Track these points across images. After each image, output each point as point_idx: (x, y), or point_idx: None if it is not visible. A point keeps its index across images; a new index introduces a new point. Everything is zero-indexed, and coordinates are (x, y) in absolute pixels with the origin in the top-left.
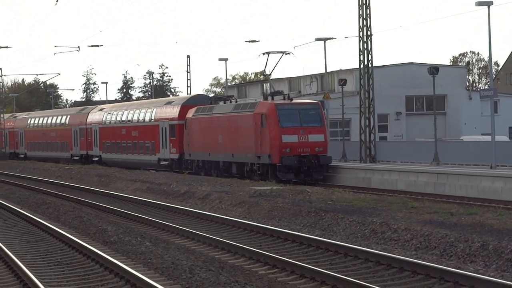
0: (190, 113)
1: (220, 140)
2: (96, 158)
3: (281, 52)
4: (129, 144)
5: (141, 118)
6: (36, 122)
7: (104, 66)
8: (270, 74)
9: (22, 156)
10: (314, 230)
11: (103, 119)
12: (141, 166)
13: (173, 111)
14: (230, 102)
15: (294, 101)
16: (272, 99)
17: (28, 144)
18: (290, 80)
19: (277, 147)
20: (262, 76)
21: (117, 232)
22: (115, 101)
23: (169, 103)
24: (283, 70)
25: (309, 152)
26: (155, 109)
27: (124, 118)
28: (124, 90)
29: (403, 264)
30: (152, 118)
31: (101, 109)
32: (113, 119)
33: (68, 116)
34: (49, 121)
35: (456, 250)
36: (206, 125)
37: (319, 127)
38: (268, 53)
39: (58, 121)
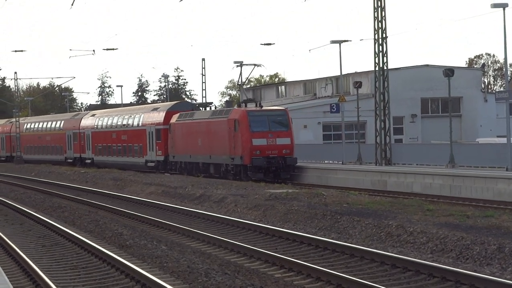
0: (174, 119)
1: (200, 143)
2: (89, 161)
3: (253, 64)
4: (119, 147)
5: (130, 123)
6: (32, 126)
7: (119, 70)
8: (243, 84)
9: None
10: (330, 233)
11: (95, 124)
12: (130, 167)
13: (158, 117)
14: (210, 109)
15: (264, 108)
16: (245, 106)
17: (25, 147)
18: (305, 82)
19: (248, 149)
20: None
21: (132, 235)
22: (131, 104)
23: (155, 109)
24: (298, 72)
25: (277, 154)
26: (142, 115)
27: (114, 123)
28: (139, 94)
29: (419, 267)
30: (140, 123)
31: (93, 115)
32: (104, 124)
33: (62, 121)
34: (44, 126)
35: (472, 253)
36: (188, 130)
37: (286, 131)
38: (241, 64)
39: (52, 125)
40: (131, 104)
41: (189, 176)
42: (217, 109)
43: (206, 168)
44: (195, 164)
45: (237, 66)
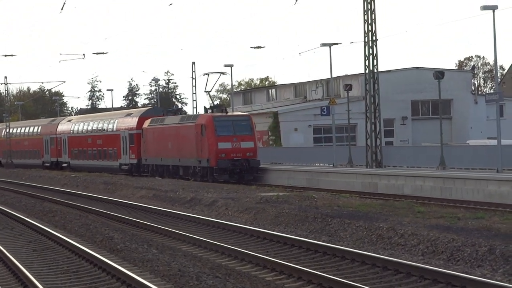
0: (146, 124)
1: (170, 147)
2: (65, 165)
3: (219, 73)
4: (94, 151)
5: (104, 127)
6: (10, 131)
7: (109, 74)
8: (211, 91)
9: None
10: (321, 236)
11: (71, 129)
12: (105, 170)
13: (132, 122)
14: (180, 114)
15: (229, 113)
16: (212, 112)
17: (3, 152)
18: (296, 85)
19: (214, 152)
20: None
21: (123, 239)
22: (121, 108)
23: (128, 115)
24: (289, 76)
25: (241, 157)
26: (116, 120)
27: (90, 128)
28: (130, 97)
29: (410, 269)
30: (114, 128)
31: (70, 120)
32: (80, 129)
33: (40, 126)
34: (22, 131)
35: (463, 254)
36: (159, 134)
37: (250, 135)
38: (208, 73)
39: (30, 130)
40: (121, 108)
41: (160, 177)
42: (185, 114)
43: (176, 170)
44: (165, 167)
45: (204, 74)
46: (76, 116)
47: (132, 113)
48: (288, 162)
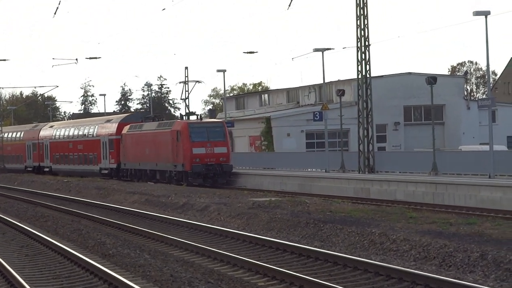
0: (125, 130)
1: (147, 152)
2: (47, 169)
3: (195, 81)
4: (75, 156)
5: (85, 133)
6: None
7: (102, 78)
8: (187, 98)
9: None
10: (313, 241)
11: (53, 135)
12: (86, 175)
13: (111, 128)
14: (157, 120)
15: (203, 120)
16: (188, 118)
17: None
18: (288, 90)
19: (188, 157)
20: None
21: (115, 244)
22: (113, 113)
23: (108, 121)
24: (281, 81)
25: (215, 162)
26: (97, 126)
27: (71, 134)
28: (122, 102)
29: (402, 275)
30: (95, 133)
31: (51, 126)
32: (61, 134)
33: (22, 132)
34: (5, 136)
35: (455, 260)
36: (137, 140)
37: (223, 141)
38: (184, 82)
39: (13, 136)
40: (114, 113)
41: (138, 181)
42: (162, 121)
43: (153, 174)
44: (143, 171)
45: (180, 82)
46: (57, 122)
47: (111, 119)
48: (281, 167)
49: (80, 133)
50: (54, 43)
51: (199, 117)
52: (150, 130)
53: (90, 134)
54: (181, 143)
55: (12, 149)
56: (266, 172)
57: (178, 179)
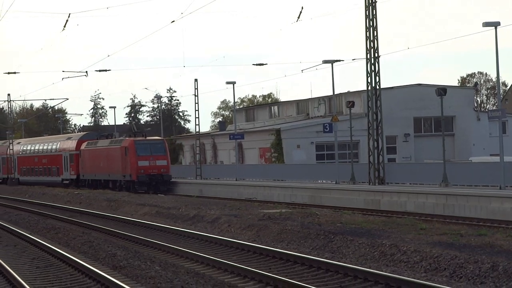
0: (83, 146)
1: (101, 164)
2: (15, 180)
3: (141, 105)
4: (40, 168)
5: (49, 148)
6: None
7: (112, 91)
8: (135, 121)
9: None
10: (324, 253)
11: (21, 150)
12: (50, 185)
13: (72, 144)
14: (110, 138)
15: (147, 138)
16: (135, 136)
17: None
18: (298, 102)
19: (135, 169)
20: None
21: (126, 256)
22: (123, 125)
23: (69, 138)
24: (291, 93)
25: (157, 172)
26: (59, 142)
27: (36, 149)
28: (132, 115)
29: (413, 286)
30: (57, 149)
31: (19, 142)
32: (28, 149)
33: None
34: None
35: (465, 271)
36: (93, 154)
37: (163, 155)
38: (131, 105)
39: None
40: (124, 126)
41: (95, 189)
42: (113, 138)
43: (107, 184)
44: (98, 181)
45: (128, 106)
46: (25, 139)
47: (72, 137)
48: (291, 179)
49: (45, 148)
50: (64, 56)
51: (143, 135)
52: (104, 146)
53: (53, 150)
54: (128, 157)
55: None
56: (276, 184)
57: (127, 187)
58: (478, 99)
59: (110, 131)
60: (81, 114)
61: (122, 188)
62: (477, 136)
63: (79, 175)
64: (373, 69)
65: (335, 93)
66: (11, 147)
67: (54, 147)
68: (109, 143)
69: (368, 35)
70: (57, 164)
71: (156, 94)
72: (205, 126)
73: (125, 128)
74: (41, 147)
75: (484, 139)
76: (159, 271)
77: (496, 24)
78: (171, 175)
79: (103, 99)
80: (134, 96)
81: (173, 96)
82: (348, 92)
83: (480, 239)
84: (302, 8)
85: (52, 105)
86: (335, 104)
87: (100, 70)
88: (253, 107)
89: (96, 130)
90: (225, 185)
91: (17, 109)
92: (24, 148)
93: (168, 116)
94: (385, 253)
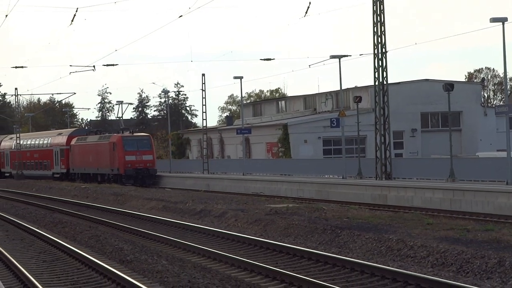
0: (73, 141)
1: (90, 159)
2: (8, 174)
3: (128, 103)
4: (32, 163)
5: (41, 144)
6: None
7: (119, 85)
8: (122, 117)
9: None
10: (330, 248)
11: (13, 145)
12: (41, 178)
13: (62, 140)
14: (99, 134)
15: (134, 134)
16: (122, 133)
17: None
18: (305, 97)
19: (122, 163)
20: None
21: (133, 250)
22: (131, 120)
23: (60, 134)
24: (298, 87)
25: (143, 166)
26: (50, 138)
27: (28, 144)
28: (140, 109)
29: (419, 281)
30: (49, 144)
31: (11, 138)
32: (20, 144)
33: None
34: None
35: (472, 266)
36: (83, 149)
37: (149, 150)
38: (120, 102)
39: None
40: (131, 120)
41: (85, 182)
42: (102, 134)
43: (95, 177)
44: (88, 174)
45: (117, 103)
46: (15, 134)
47: (62, 133)
48: (298, 173)
49: (36, 143)
50: (71, 50)
51: (131, 131)
52: (93, 142)
53: (44, 145)
54: (116, 152)
55: None
56: (283, 179)
57: (115, 180)
58: (485, 95)
59: (116, 126)
60: (89, 109)
61: (110, 181)
62: (484, 132)
63: (69, 169)
64: (380, 64)
65: (343, 88)
66: (4, 142)
67: (45, 142)
68: (98, 138)
69: (375, 30)
70: (48, 158)
71: (164, 89)
72: (213, 120)
73: (132, 122)
74: (32, 143)
75: (491, 135)
76: (166, 265)
77: (503, 20)
78: (157, 169)
79: (110, 93)
80: (141, 91)
81: (181, 91)
82: (356, 87)
83: (487, 234)
84: (310, 3)
85: (59, 100)
86: (342, 99)
87: (107, 65)
88: (260, 102)
89: (103, 125)
90: (232, 180)
91: (24, 103)
92: (16, 144)
93: (175, 111)
94: (392, 248)
